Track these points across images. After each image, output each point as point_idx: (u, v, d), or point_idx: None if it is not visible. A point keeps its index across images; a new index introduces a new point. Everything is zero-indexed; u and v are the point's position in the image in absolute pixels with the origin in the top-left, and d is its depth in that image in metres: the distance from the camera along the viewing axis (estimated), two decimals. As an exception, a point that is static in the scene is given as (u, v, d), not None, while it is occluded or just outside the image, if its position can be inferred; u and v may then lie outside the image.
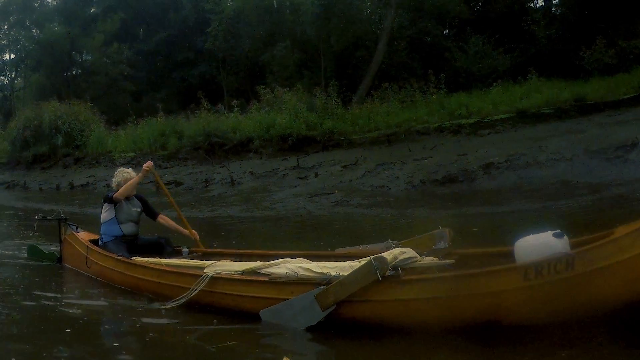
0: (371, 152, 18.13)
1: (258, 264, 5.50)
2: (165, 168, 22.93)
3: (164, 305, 5.62)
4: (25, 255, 8.78)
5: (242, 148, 22.11)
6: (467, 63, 23.36)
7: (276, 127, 21.22)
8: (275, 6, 26.62)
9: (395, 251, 4.93)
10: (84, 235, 7.85)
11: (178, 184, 20.55)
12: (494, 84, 21.22)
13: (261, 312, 4.98)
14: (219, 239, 10.71)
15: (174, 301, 5.58)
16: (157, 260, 6.59)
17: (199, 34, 29.38)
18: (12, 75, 36.82)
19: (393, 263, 4.61)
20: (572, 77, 20.00)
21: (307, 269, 5.07)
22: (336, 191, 15.05)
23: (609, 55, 20.15)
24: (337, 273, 4.83)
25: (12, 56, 37.56)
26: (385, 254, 4.73)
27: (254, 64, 29.04)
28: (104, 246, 7.14)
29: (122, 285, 6.54)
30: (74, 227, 7.97)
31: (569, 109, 17.74)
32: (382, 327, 4.55)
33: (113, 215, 7.18)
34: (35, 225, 8.32)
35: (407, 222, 10.66)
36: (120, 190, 7.09)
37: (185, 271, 5.95)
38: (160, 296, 5.89)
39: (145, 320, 5.33)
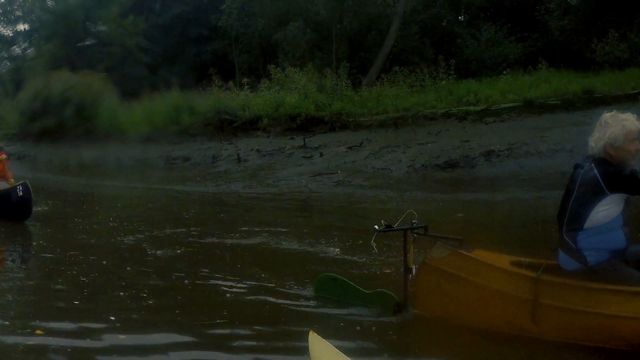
0: (377, 135, 18.33)
1: None
2: (175, 144, 23.25)
3: None
4: (312, 291, 5.47)
5: (250, 126, 22.35)
6: (478, 50, 23.36)
7: (285, 107, 21.42)
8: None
9: None
10: (492, 258, 4.49)
11: (186, 159, 20.89)
12: (504, 72, 21.24)
13: None
14: (225, 213, 11.04)
15: None
16: None
17: (213, 11, 29.47)
18: (25, 46, 37.07)
19: None
20: (582, 69, 19.97)
21: None
22: (339, 171, 15.32)
23: (620, 49, 20.08)
24: None
25: (26, 27, 37.81)
26: None
27: (266, 42, 29.13)
28: (593, 272, 3.99)
29: None
30: (455, 243, 4.56)
31: (576, 100, 17.77)
32: None
33: (619, 211, 4.02)
34: (372, 242, 4.82)
35: (401, 204, 10.89)
36: None
37: None
38: None
39: None
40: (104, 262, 6.71)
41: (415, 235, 4.70)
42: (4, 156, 10.43)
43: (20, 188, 9.35)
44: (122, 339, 4.19)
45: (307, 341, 3.37)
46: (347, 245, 7.53)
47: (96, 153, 23.92)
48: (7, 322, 4.48)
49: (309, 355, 3.33)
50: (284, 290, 5.53)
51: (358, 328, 4.48)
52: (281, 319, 4.74)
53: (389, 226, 4.73)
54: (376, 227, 4.74)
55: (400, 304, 4.68)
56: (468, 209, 10.04)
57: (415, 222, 4.69)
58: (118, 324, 4.49)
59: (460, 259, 4.35)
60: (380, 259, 6.61)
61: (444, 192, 12.04)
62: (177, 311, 4.94)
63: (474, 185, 12.60)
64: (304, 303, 5.17)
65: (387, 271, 6.12)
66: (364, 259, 6.68)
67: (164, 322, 4.64)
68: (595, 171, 3.94)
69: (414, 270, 4.63)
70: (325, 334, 3.72)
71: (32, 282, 5.99)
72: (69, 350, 3.94)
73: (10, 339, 4.08)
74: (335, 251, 7.25)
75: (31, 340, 4.04)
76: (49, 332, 4.23)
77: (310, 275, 5.89)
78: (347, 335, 4.31)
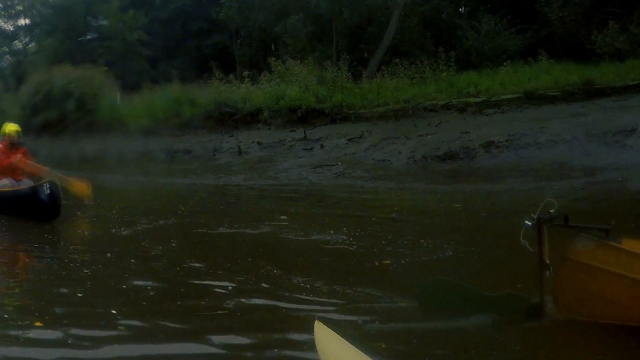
0: (377, 127, 18.38)
1: None
2: (176, 136, 23.30)
3: None
4: (416, 303, 4.65)
5: (251, 118, 22.40)
6: (478, 42, 23.39)
7: (286, 99, 21.47)
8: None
9: None
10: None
11: (187, 152, 20.97)
12: (504, 64, 21.28)
13: None
14: (226, 205, 11.10)
15: None
16: None
17: (213, 4, 29.53)
18: (26, 41, 37.26)
19: None
20: (582, 61, 19.99)
21: None
22: (339, 163, 15.39)
23: (620, 40, 20.06)
24: None
25: (27, 21, 37.98)
26: None
27: (266, 35, 29.16)
28: None
29: None
30: (600, 233, 3.99)
31: (576, 92, 17.82)
32: None
33: None
34: (522, 240, 4.00)
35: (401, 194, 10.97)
36: None
37: None
38: None
39: None
40: (108, 254, 6.76)
41: (554, 225, 4.07)
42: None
43: (48, 185, 8.59)
44: (122, 328, 4.24)
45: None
46: (356, 235, 7.52)
47: (97, 146, 23.93)
48: (6, 315, 4.51)
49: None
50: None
51: (487, 338, 3.95)
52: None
53: (541, 219, 4.02)
54: (527, 222, 4.03)
55: (535, 306, 4.09)
56: (467, 199, 10.11)
57: (552, 212, 4.07)
58: (119, 317, 4.53)
59: (609, 251, 3.82)
60: (388, 249, 6.66)
61: (443, 183, 12.10)
62: (179, 302, 5.00)
63: (474, 176, 12.65)
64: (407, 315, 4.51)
65: (410, 259, 6.17)
66: (375, 250, 6.69)
67: (167, 316, 4.67)
68: None
69: (551, 267, 4.03)
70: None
71: (33, 275, 6.04)
72: (69, 342, 3.97)
73: (10, 331, 4.10)
74: (344, 240, 7.22)
75: (30, 332, 4.07)
76: (49, 325, 4.26)
77: (342, 273, 5.82)
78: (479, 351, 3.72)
